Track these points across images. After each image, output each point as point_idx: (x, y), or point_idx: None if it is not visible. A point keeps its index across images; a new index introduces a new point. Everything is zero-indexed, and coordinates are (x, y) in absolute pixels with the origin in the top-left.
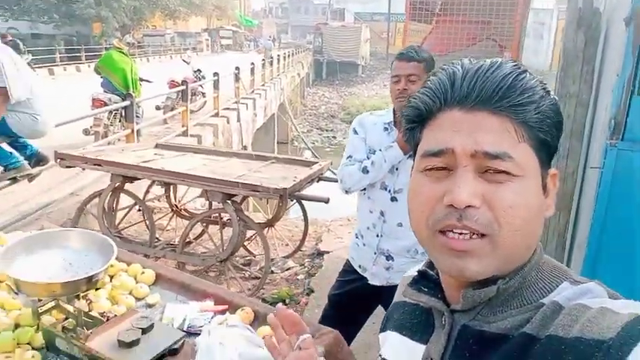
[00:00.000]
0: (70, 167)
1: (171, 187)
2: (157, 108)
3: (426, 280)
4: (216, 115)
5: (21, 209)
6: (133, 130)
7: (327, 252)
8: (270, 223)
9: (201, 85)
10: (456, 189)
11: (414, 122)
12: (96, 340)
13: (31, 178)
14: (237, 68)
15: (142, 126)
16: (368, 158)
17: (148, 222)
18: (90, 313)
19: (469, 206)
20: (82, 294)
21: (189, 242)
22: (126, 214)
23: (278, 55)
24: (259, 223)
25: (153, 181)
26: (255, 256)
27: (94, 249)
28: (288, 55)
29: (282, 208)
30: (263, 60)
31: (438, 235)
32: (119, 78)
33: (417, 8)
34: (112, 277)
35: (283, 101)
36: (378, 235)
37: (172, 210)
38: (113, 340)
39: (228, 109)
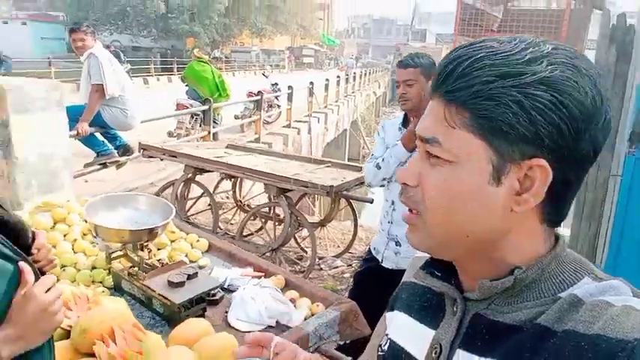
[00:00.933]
0: (151, 157)
1: (237, 183)
2: (236, 117)
3: (439, 265)
4: (288, 126)
5: None
6: (209, 133)
7: None
8: (322, 223)
9: (276, 97)
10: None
11: None
12: (151, 280)
13: (118, 165)
14: (311, 83)
15: (218, 129)
16: None
17: (213, 211)
18: (149, 261)
19: (406, 184)
20: (144, 244)
21: (250, 234)
22: (194, 203)
23: (354, 74)
24: (312, 222)
25: (221, 177)
26: (306, 253)
27: (157, 210)
28: (365, 74)
29: (333, 210)
30: (337, 77)
31: None
32: (204, 86)
33: (467, 24)
34: (172, 241)
35: (356, 118)
36: (389, 222)
37: (237, 205)
38: (164, 281)
39: (300, 121)
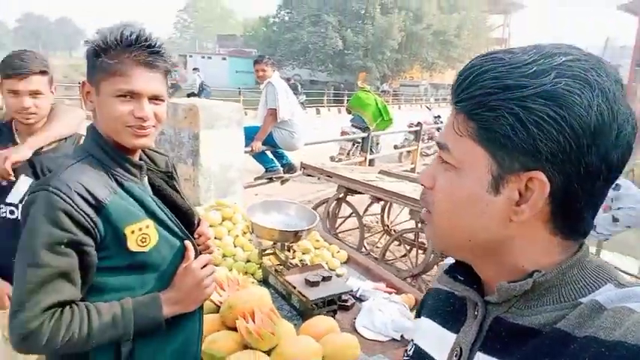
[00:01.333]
0: (309, 175)
1: (386, 207)
2: (395, 147)
3: (463, 269)
4: None
5: None
6: (365, 159)
7: None
8: None
9: (437, 129)
10: None
11: None
12: (292, 277)
13: (282, 181)
14: None
15: (375, 157)
16: None
17: (360, 231)
18: (293, 261)
19: (424, 186)
20: (290, 245)
21: (393, 259)
22: (343, 221)
23: None
24: None
25: (371, 201)
26: None
27: (304, 217)
28: None
29: None
30: None
31: None
32: (367, 112)
33: None
34: (316, 248)
35: None
36: None
37: (384, 229)
38: (302, 280)
39: None
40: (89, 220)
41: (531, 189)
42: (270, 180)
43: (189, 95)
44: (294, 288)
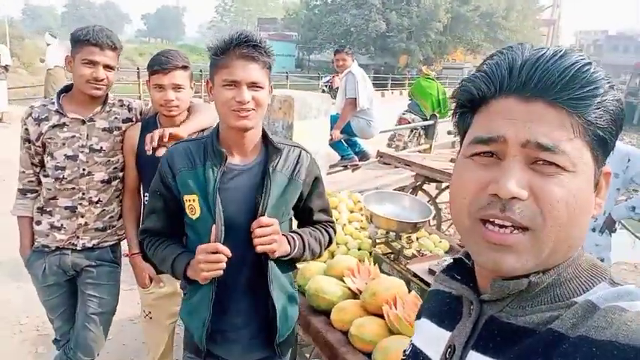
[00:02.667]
0: (386, 164)
1: None
2: (449, 133)
3: (461, 268)
4: None
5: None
6: (430, 146)
7: None
8: None
9: None
10: (503, 179)
11: (465, 107)
12: (413, 265)
13: (354, 168)
14: None
15: (432, 144)
16: None
17: (436, 217)
18: (408, 251)
19: (514, 198)
20: (408, 235)
21: None
22: None
23: None
24: None
25: (445, 187)
26: None
27: (418, 209)
28: None
29: None
30: None
31: (479, 226)
32: (427, 102)
33: None
34: (418, 238)
35: None
36: None
37: None
38: (425, 268)
39: None
40: (168, 181)
41: (599, 183)
42: (345, 167)
43: None
44: (416, 276)
